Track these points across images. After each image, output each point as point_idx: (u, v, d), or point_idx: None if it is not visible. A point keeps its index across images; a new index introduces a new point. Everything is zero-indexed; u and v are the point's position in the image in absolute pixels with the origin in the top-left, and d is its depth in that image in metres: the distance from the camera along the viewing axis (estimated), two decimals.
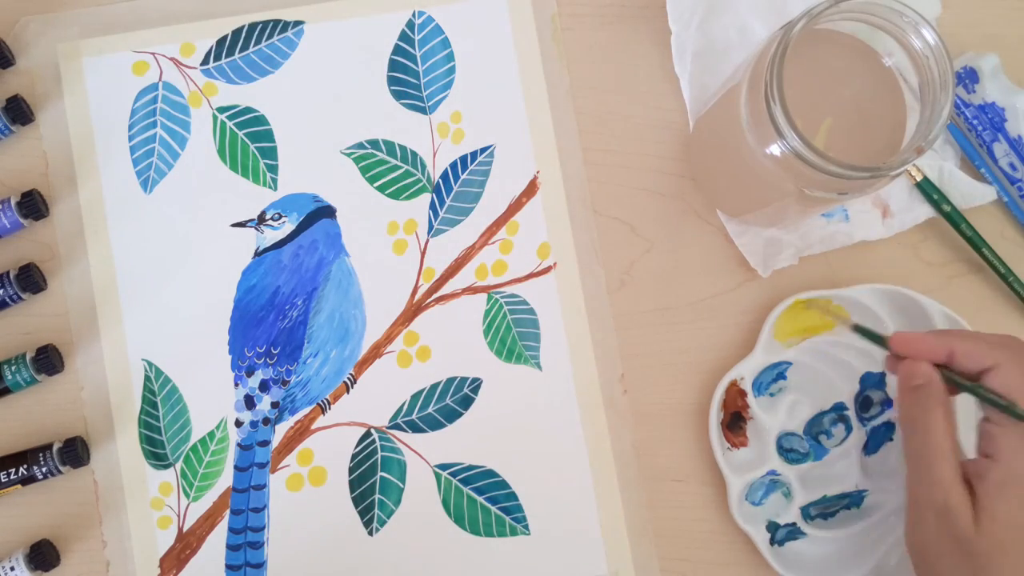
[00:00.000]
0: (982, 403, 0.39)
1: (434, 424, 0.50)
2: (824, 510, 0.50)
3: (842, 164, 0.38)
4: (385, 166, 0.51)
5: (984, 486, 0.38)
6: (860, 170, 0.39)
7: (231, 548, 0.49)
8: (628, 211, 0.52)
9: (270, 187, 0.51)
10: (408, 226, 0.51)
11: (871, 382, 0.50)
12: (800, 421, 0.50)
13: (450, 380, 0.50)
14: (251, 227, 0.51)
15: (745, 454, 0.50)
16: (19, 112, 0.49)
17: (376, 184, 0.51)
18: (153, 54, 0.51)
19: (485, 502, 0.50)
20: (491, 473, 0.50)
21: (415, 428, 0.50)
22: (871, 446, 0.51)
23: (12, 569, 0.46)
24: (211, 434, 0.49)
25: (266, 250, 0.51)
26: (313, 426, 0.50)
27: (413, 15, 0.52)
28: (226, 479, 0.49)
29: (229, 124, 0.51)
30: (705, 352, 0.51)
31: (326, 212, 0.51)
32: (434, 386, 0.50)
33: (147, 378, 0.50)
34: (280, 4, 0.52)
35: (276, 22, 0.52)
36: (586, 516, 0.50)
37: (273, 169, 0.51)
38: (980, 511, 0.37)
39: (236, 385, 0.50)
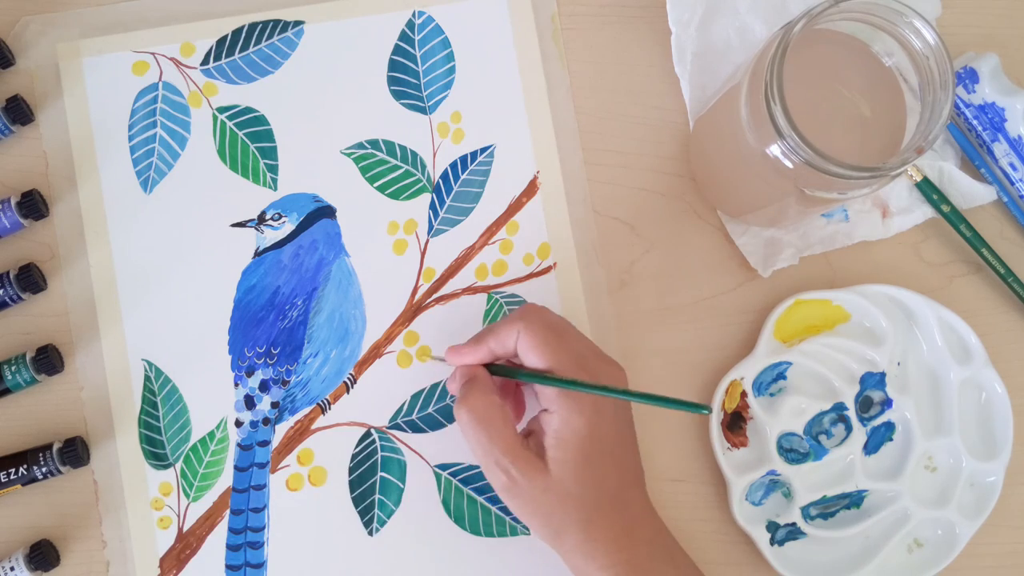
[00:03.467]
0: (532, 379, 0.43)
1: (434, 424, 0.50)
2: (824, 510, 0.50)
3: (842, 164, 0.38)
4: (385, 166, 0.51)
5: (546, 437, 0.43)
6: (860, 170, 0.39)
7: (231, 548, 0.49)
8: (628, 211, 0.52)
9: (270, 187, 0.51)
10: (408, 226, 0.51)
11: (871, 382, 0.51)
12: (800, 421, 0.50)
13: None
14: (251, 227, 0.51)
15: (745, 454, 0.50)
16: (19, 112, 0.49)
17: (376, 184, 0.51)
18: (153, 54, 0.51)
19: (485, 502, 0.50)
20: None
21: (415, 428, 0.50)
22: (871, 446, 0.51)
23: (12, 569, 0.46)
24: (211, 434, 0.49)
25: (266, 250, 0.51)
26: (313, 426, 0.50)
27: (413, 15, 0.52)
28: (226, 479, 0.49)
29: (229, 124, 0.51)
30: (705, 352, 0.51)
31: (326, 212, 0.51)
32: (434, 386, 0.50)
33: (147, 378, 0.50)
34: (280, 4, 0.52)
35: (276, 22, 0.52)
36: None
37: (273, 169, 0.51)
38: (548, 460, 0.42)
39: (236, 385, 0.50)
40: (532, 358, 0.43)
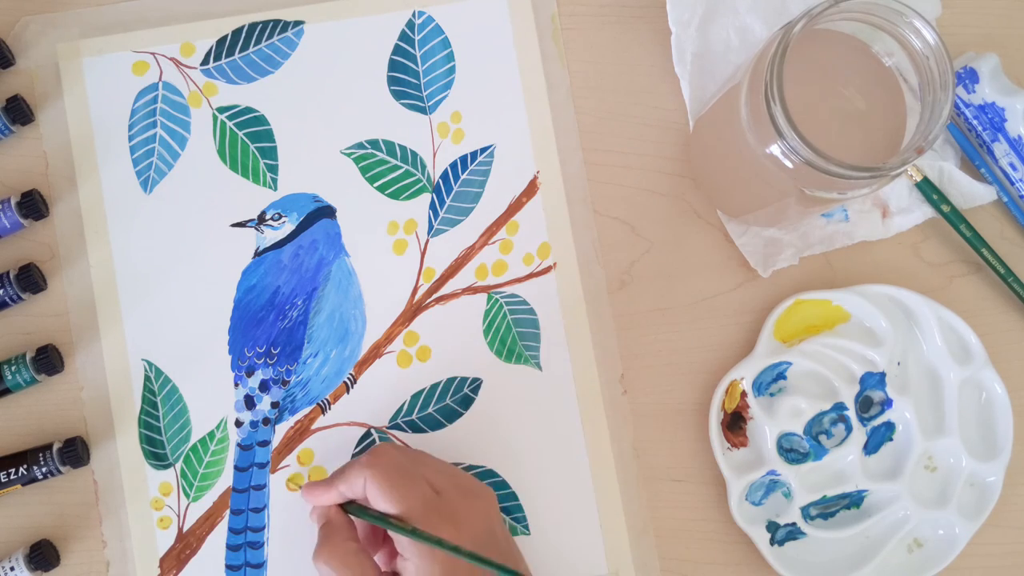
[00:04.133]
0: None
1: (434, 424, 0.50)
2: (824, 510, 0.50)
3: (842, 164, 0.38)
4: (385, 166, 0.51)
5: None
6: (860, 170, 0.39)
7: (231, 548, 0.49)
8: (628, 211, 0.52)
9: (270, 187, 0.51)
10: (408, 226, 0.51)
11: (871, 382, 0.51)
12: (800, 421, 0.50)
13: (450, 380, 0.50)
14: (251, 227, 0.51)
15: (745, 454, 0.50)
16: (19, 112, 0.49)
17: (376, 184, 0.51)
18: (153, 54, 0.51)
19: None
20: (491, 473, 0.50)
21: (415, 428, 0.50)
22: (871, 446, 0.51)
23: (12, 569, 0.46)
24: (211, 434, 0.49)
25: (266, 250, 0.51)
26: (313, 426, 0.50)
27: (413, 15, 0.52)
28: (226, 479, 0.49)
29: (229, 124, 0.51)
30: (705, 352, 0.51)
31: (326, 212, 0.51)
32: (434, 386, 0.50)
33: (147, 378, 0.50)
34: (280, 4, 0.52)
35: (276, 22, 0.52)
36: (586, 516, 0.50)
37: (273, 169, 0.51)
38: None
39: (236, 385, 0.50)
40: (381, 504, 0.41)
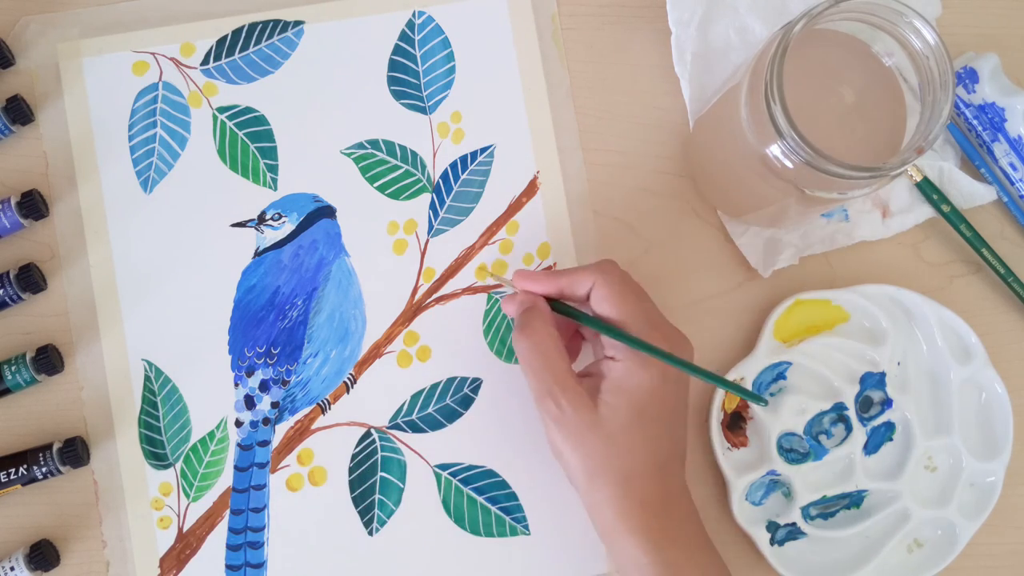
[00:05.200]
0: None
1: (434, 424, 0.50)
2: (824, 510, 0.50)
3: (842, 164, 0.38)
4: (385, 166, 0.51)
5: (605, 381, 0.43)
6: (860, 170, 0.39)
7: (231, 548, 0.49)
8: (628, 211, 0.52)
9: (270, 187, 0.51)
10: (408, 226, 0.51)
11: (871, 382, 0.51)
12: (800, 421, 0.50)
13: (450, 380, 0.50)
14: (251, 227, 0.51)
15: (745, 454, 0.50)
16: (19, 112, 0.49)
17: (376, 184, 0.51)
18: (153, 54, 0.51)
19: (485, 502, 0.50)
20: (491, 473, 0.50)
21: (415, 428, 0.50)
22: (871, 446, 0.51)
23: (12, 569, 0.46)
24: (211, 434, 0.49)
25: (266, 250, 0.51)
26: (313, 426, 0.50)
27: (413, 15, 0.52)
28: (226, 479, 0.49)
29: (229, 124, 0.51)
30: (705, 352, 0.51)
31: (326, 212, 0.51)
32: (434, 386, 0.50)
33: (147, 378, 0.50)
34: (280, 4, 0.52)
35: (276, 22, 0.52)
36: (586, 516, 0.50)
37: (273, 169, 0.51)
38: (600, 402, 0.42)
39: (236, 385, 0.50)
40: (605, 307, 0.43)
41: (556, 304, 0.45)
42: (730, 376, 0.50)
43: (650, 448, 0.42)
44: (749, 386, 0.50)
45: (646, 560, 0.41)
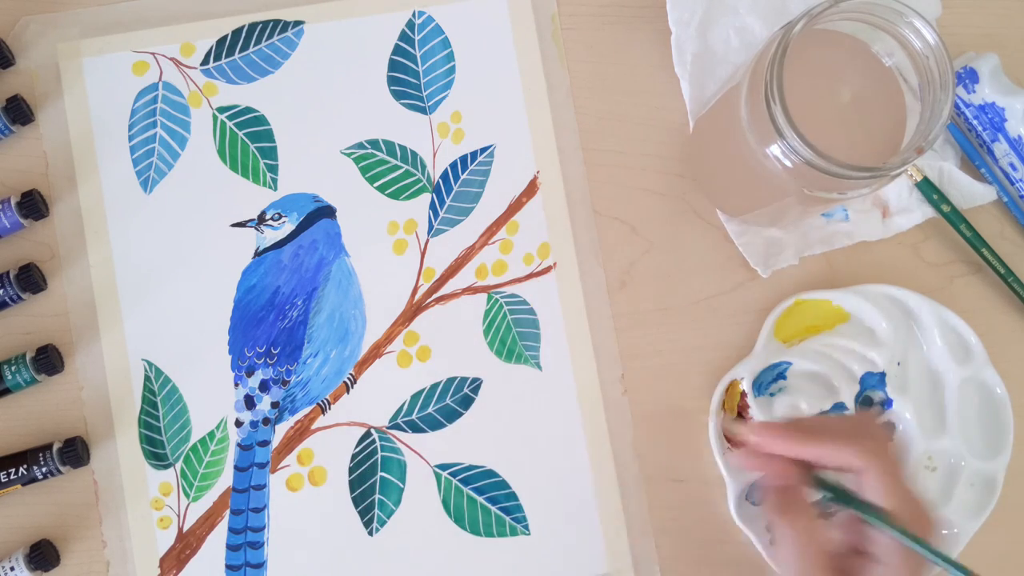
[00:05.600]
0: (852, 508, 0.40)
1: (434, 424, 0.50)
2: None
3: (842, 164, 0.38)
4: (385, 166, 0.51)
5: None
6: (860, 170, 0.39)
7: (231, 548, 0.49)
8: (628, 211, 0.52)
9: (270, 187, 0.51)
10: (408, 226, 0.51)
11: (871, 382, 0.51)
12: None
13: (450, 380, 0.50)
14: (251, 227, 0.51)
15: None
16: (19, 112, 0.49)
17: (376, 184, 0.51)
18: (153, 54, 0.51)
19: (485, 502, 0.50)
20: (491, 473, 0.50)
21: (415, 428, 0.50)
22: None
23: (12, 569, 0.46)
24: (211, 434, 0.49)
25: (266, 250, 0.51)
26: (313, 426, 0.50)
27: (413, 15, 0.52)
28: (226, 479, 0.49)
29: (229, 124, 0.51)
30: (705, 352, 0.51)
31: (326, 212, 0.51)
32: (434, 386, 0.50)
33: (147, 378, 0.50)
34: (280, 4, 0.52)
35: (276, 22, 0.52)
36: (586, 516, 0.50)
37: (273, 169, 0.51)
38: None
39: (236, 385, 0.50)
40: (878, 493, 0.39)
41: (819, 477, 0.40)
42: (729, 376, 0.50)
43: None
44: (749, 386, 0.50)
45: None
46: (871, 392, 0.51)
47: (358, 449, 0.50)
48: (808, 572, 0.39)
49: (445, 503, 0.50)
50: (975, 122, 0.52)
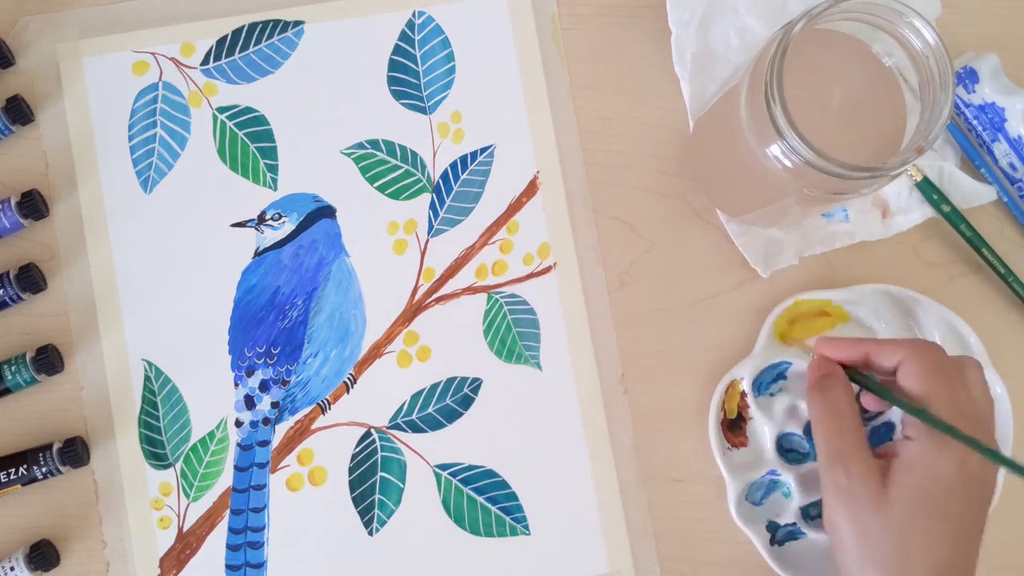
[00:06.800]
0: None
1: (434, 424, 0.50)
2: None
3: (842, 164, 0.38)
4: (385, 166, 0.51)
5: (898, 460, 0.40)
6: (860, 170, 0.39)
7: (231, 548, 0.49)
8: (628, 211, 0.52)
9: (270, 187, 0.51)
10: (408, 226, 0.51)
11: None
12: (800, 421, 0.50)
13: (450, 380, 0.50)
14: (251, 227, 0.51)
15: (745, 454, 0.50)
16: (19, 112, 0.49)
17: (376, 184, 0.51)
18: (153, 54, 0.51)
19: (485, 502, 0.50)
20: (491, 473, 0.50)
21: (415, 428, 0.50)
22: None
23: (12, 569, 0.46)
24: (211, 434, 0.50)
25: (266, 250, 0.51)
26: (313, 426, 0.50)
27: (413, 15, 0.52)
28: (226, 479, 0.49)
29: (229, 124, 0.51)
30: (705, 352, 0.51)
31: (326, 212, 0.51)
32: (434, 386, 0.50)
33: (147, 378, 0.50)
34: (280, 4, 0.52)
35: (276, 22, 0.52)
36: (586, 516, 0.50)
37: (273, 169, 0.51)
38: (891, 483, 0.40)
39: (236, 385, 0.50)
40: (912, 383, 0.41)
41: (852, 373, 0.43)
42: (729, 376, 0.50)
43: (935, 546, 0.38)
44: (749, 386, 0.50)
45: None
46: None
47: (358, 449, 0.50)
48: (843, 443, 0.40)
49: (445, 503, 0.50)
50: (975, 122, 0.52)
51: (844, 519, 0.40)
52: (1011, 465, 0.38)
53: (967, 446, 0.39)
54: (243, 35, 0.52)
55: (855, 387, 0.43)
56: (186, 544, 0.49)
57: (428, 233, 0.51)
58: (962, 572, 0.39)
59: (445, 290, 0.51)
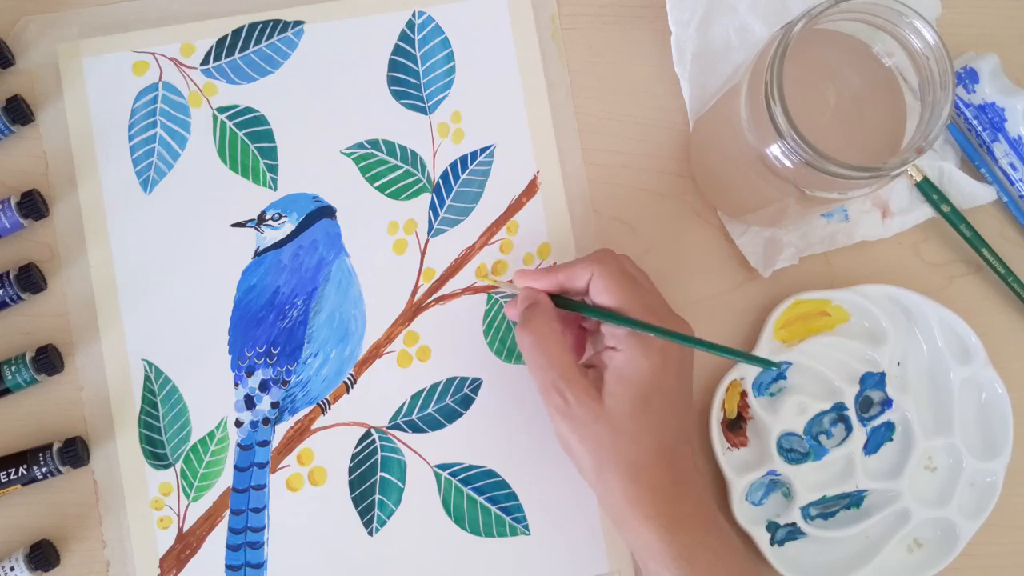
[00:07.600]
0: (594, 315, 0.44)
1: (434, 424, 0.50)
2: (824, 510, 0.50)
3: (842, 164, 0.38)
4: (385, 166, 0.51)
5: (608, 371, 0.43)
6: (860, 170, 0.39)
7: (231, 548, 0.49)
8: (628, 211, 0.52)
9: (270, 187, 0.51)
10: (408, 226, 0.51)
11: (871, 382, 0.51)
12: (800, 421, 0.50)
13: (450, 380, 0.50)
14: (251, 227, 0.51)
15: (745, 454, 0.50)
16: (19, 112, 0.49)
17: (376, 184, 0.51)
18: (153, 54, 0.51)
19: (485, 502, 0.50)
20: (491, 473, 0.50)
21: (415, 428, 0.50)
22: (871, 446, 0.51)
23: (12, 569, 0.46)
24: (211, 434, 0.49)
25: (266, 250, 0.51)
26: (313, 426, 0.50)
27: (413, 15, 0.52)
28: (226, 479, 0.49)
29: (229, 124, 0.51)
30: (705, 352, 0.51)
31: (326, 212, 0.51)
32: (434, 386, 0.50)
33: (147, 378, 0.50)
34: (280, 4, 0.52)
35: (276, 22, 0.52)
36: (586, 516, 0.50)
37: (273, 169, 0.51)
38: (606, 393, 0.42)
39: (236, 385, 0.50)
40: (604, 298, 0.43)
41: (557, 299, 0.45)
42: (730, 376, 0.50)
43: (656, 434, 0.42)
44: (749, 386, 0.50)
45: (660, 546, 0.41)
46: (871, 392, 0.51)
47: (358, 449, 0.50)
48: (554, 371, 0.43)
49: (445, 503, 0.50)
50: (975, 122, 0.52)
51: (573, 438, 0.43)
52: (704, 345, 0.43)
53: (661, 337, 0.42)
54: (243, 35, 0.52)
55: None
56: (186, 544, 0.49)
57: (428, 233, 0.51)
58: (684, 441, 0.43)
59: (445, 290, 0.51)
